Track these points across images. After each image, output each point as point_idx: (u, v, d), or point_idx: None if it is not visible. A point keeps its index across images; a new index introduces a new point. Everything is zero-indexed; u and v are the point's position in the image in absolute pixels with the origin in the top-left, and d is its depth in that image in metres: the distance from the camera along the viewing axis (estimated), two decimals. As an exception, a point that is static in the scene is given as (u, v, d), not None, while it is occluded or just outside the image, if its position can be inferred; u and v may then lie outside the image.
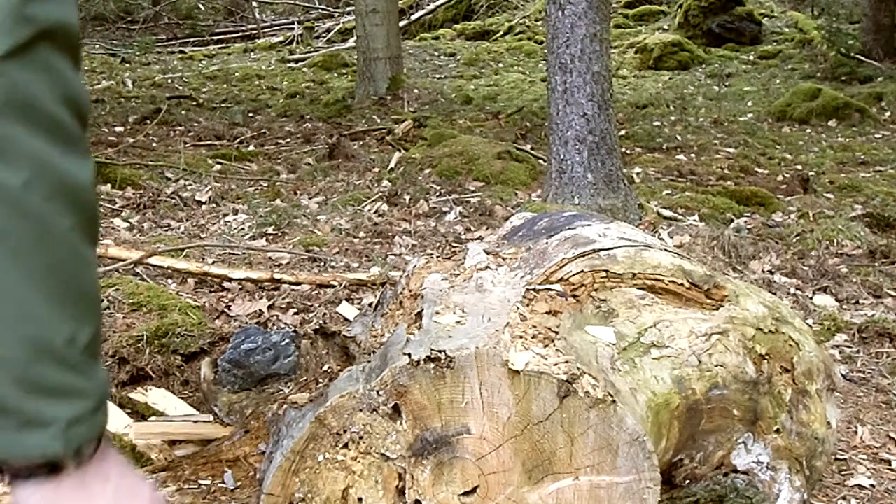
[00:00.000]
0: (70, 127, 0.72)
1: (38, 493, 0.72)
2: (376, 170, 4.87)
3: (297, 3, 13.58)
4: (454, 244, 1.63)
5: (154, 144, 5.31)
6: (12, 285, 0.71)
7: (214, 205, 3.81)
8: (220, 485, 1.05)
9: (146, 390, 1.72)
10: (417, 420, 0.90)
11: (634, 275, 1.22)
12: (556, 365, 0.90)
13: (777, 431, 1.22)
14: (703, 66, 10.17)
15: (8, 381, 0.71)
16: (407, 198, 4.13)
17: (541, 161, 5.05)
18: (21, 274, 0.71)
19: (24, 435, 0.71)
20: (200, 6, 12.94)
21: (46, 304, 0.72)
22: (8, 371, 0.71)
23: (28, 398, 0.71)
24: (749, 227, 3.94)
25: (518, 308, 1.03)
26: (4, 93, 0.67)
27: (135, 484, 0.78)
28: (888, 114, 7.39)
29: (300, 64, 9.86)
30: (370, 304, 1.34)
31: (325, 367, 1.23)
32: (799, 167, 5.59)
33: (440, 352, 0.90)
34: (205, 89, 8.10)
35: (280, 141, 5.73)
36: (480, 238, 2.27)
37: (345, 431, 0.90)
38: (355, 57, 8.09)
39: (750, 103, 8.06)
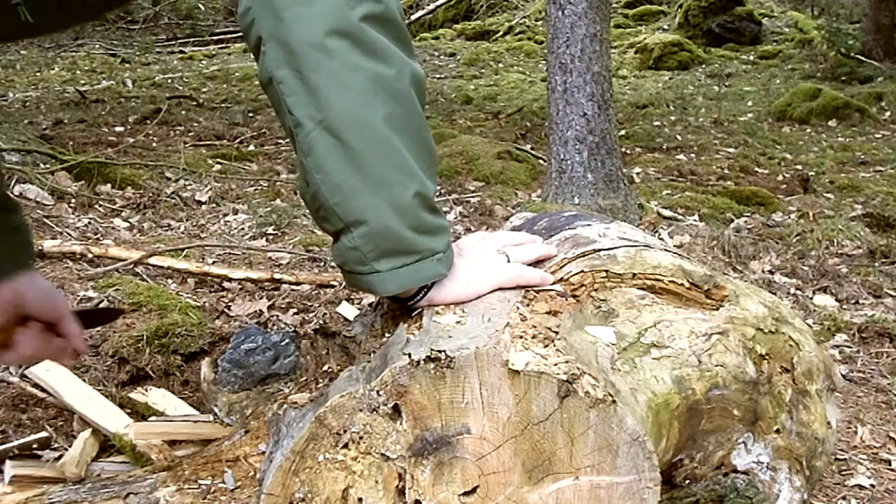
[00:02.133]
0: (409, 39, 1.00)
1: (435, 292, 1.03)
2: (376, 170, 4.86)
3: (298, 3, 13.54)
4: (454, 244, 1.62)
5: (154, 144, 5.31)
6: (400, 154, 0.96)
7: (214, 205, 3.80)
8: (220, 485, 1.05)
9: (146, 390, 1.72)
10: (417, 420, 0.90)
11: (634, 275, 1.22)
12: (556, 365, 0.90)
13: (777, 431, 1.22)
14: (703, 66, 10.17)
15: (407, 227, 0.97)
16: (407, 198, 4.12)
17: (541, 161, 5.05)
18: (403, 144, 0.96)
19: (422, 264, 0.99)
20: (200, 6, 12.93)
21: (420, 164, 0.99)
22: (406, 220, 0.96)
23: (420, 238, 0.98)
24: (749, 227, 3.94)
25: (518, 308, 1.03)
26: (381, 11, 0.94)
27: (471, 245, 1.14)
28: (888, 114, 7.40)
29: (300, 64, 9.83)
30: (370, 304, 1.34)
31: (325, 367, 1.22)
32: (799, 167, 5.59)
33: (440, 352, 0.89)
34: (205, 89, 8.10)
35: (280, 141, 5.73)
36: (480, 238, 2.26)
37: (345, 431, 0.90)
38: (355, 57, 8.06)
39: (750, 103, 8.06)
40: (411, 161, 0.98)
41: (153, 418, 1.56)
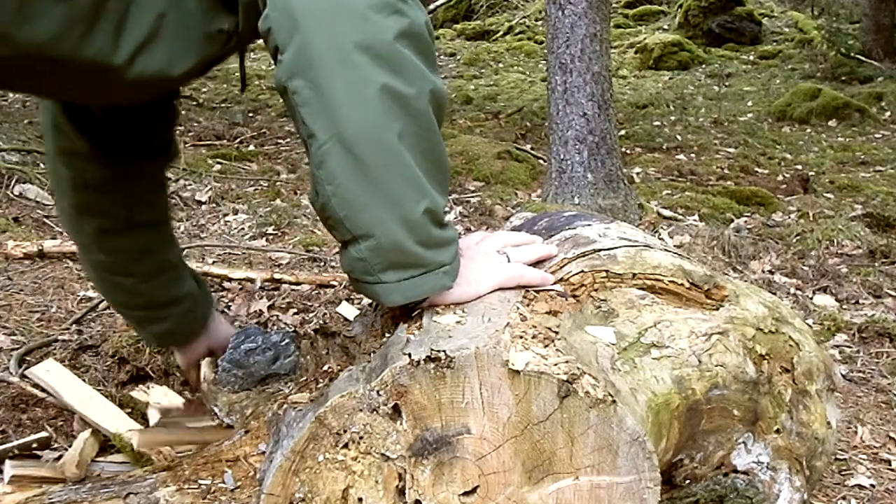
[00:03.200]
0: (433, 54, 1.00)
1: (444, 294, 1.04)
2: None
3: (297, 3, 13.54)
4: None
5: (154, 144, 5.30)
6: (412, 171, 0.96)
7: (214, 205, 3.80)
8: (220, 485, 1.05)
9: (148, 388, 1.72)
10: (417, 420, 0.90)
11: (634, 275, 1.22)
12: (556, 365, 0.90)
13: (777, 431, 1.22)
14: (703, 66, 10.17)
15: (415, 242, 0.97)
16: (407, 198, 4.11)
17: (541, 161, 5.05)
18: (416, 161, 0.96)
19: (428, 276, 1.00)
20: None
21: (432, 180, 0.99)
22: (415, 235, 0.97)
23: (427, 252, 0.99)
24: (749, 227, 3.94)
25: (518, 308, 1.03)
26: (407, 25, 0.94)
27: (472, 245, 1.14)
28: (888, 114, 7.40)
29: (300, 64, 9.82)
30: (370, 304, 1.34)
31: (325, 367, 1.22)
32: (799, 167, 5.59)
33: (440, 352, 0.89)
34: (205, 89, 8.09)
35: (280, 141, 5.73)
36: (480, 238, 2.26)
37: (345, 431, 0.90)
38: (355, 57, 8.05)
39: (750, 103, 8.06)
40: (423, 178, 0.98)
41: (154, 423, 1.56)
